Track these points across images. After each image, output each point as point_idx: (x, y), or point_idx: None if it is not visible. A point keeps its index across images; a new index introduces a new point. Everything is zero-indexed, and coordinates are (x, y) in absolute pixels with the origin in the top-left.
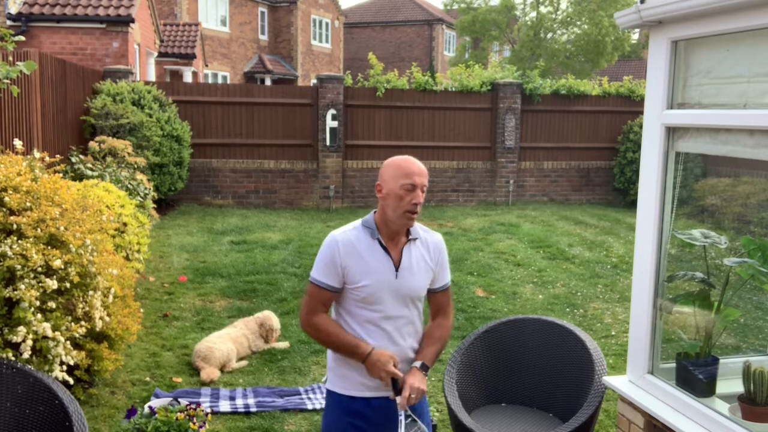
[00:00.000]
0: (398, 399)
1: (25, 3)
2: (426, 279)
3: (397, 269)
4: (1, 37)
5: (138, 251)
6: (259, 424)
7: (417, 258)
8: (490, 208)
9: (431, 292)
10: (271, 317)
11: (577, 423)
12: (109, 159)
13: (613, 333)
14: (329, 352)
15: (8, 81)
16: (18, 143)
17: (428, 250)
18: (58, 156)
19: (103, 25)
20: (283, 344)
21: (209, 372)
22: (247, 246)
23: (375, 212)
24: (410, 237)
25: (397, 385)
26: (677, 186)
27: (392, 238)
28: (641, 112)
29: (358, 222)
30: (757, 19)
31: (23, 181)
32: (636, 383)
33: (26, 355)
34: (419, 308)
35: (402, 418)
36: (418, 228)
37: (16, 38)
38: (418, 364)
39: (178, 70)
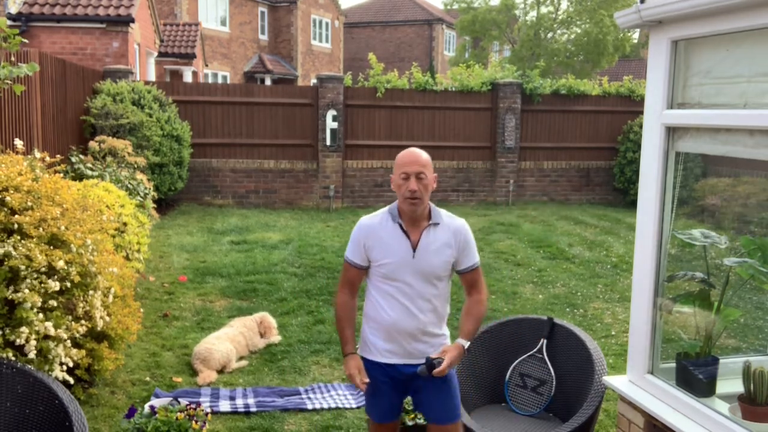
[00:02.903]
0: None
1: (25, 3)
2: (444, 259)
3: (414, 249)
4: (5, 38)
5: (138, 251)
6: (259, 424)
7: (436, 240)
8: (490, 208)
9: (461, 273)
10: (267, 316)
11: (577, 423)
12: (109, 159)
13: (613, 333)
14: (362, 323)
15: (10, 82)
16: (18, 143)
17: (451, 234)
18: (58, 156)
19: (103, 25)
20: (277, 338)
21: (206, 376)
22: (247, 246)
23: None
24: (431, 221)
25: (430, 364)
26: (677, 186)
27: (414, 222)
28: (641, 112)
29: (386, 208)
30: (757, 19)
31: (24, 181)
32: (636, 383)
33: (32, 355)
34: (440, 288)
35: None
36: (443, 214)
37: (18, 39)
38: (459, 341)
39: (178, 69)
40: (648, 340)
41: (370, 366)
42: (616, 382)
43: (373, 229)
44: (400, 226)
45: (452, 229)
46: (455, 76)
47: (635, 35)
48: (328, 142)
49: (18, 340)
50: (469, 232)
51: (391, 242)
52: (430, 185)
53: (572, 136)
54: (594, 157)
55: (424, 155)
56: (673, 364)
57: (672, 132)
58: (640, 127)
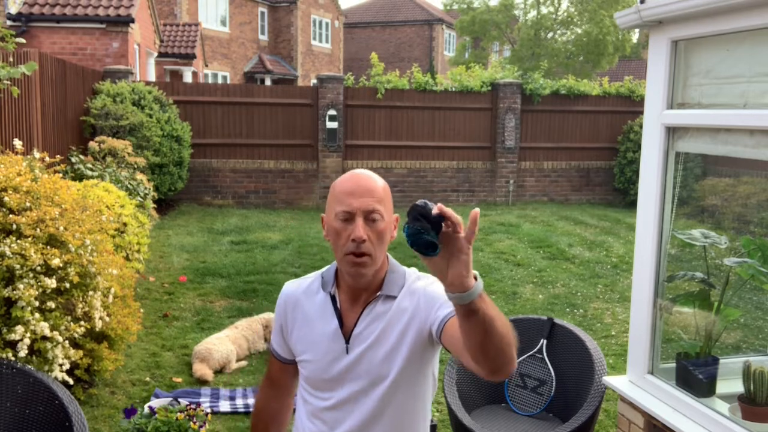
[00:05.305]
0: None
1: (25, 3)
2: (399, 355)
3: (348, 339)
4: (2, 38)
5: (138, 251)
6: None
7: (384, 324)
8: (490, 208)
9: (445, 325)
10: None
11: (577, 423)
12: (109, 159)
13: (613, 333)
14: None
15: (8, 82)
16: (18, 143)
17: (414, 302)
18: (58, 156)
19: (103, 25)
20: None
21: (201, 371)
22: (247, 246)
23: None
24: (379, 293)
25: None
26: (677, 186)
27: (357, 294)
28: (641, 112)
29: (323, 269)
30: (757, 19)
31: (23, 181)
32: (636, 383)
33: (23, 353)
34: (406, 398)
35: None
36: (407, 278)
37: (17, 40)
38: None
39: (178, 70)
40: (648, 340)
41: None
42: (616, 382)
43: (296, 301)
44: (332, 299)
45: (414, 296)
46: (455, 77)
47: (635, 36)
48: (328, 143)
49: (13, 336)
50: (432, 282)
51: (315, 326)
52: (388, 233)
53: (572, 136)
54: (594, 157)
55: (381, 182)
56: (673, 364)
57: (672, 132)
58: (640, 127)
